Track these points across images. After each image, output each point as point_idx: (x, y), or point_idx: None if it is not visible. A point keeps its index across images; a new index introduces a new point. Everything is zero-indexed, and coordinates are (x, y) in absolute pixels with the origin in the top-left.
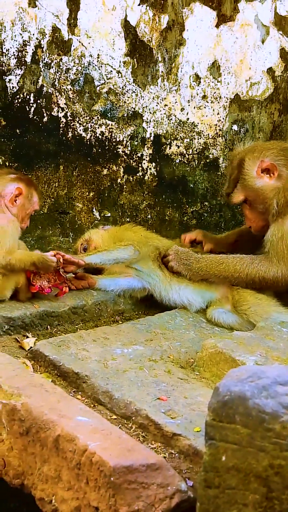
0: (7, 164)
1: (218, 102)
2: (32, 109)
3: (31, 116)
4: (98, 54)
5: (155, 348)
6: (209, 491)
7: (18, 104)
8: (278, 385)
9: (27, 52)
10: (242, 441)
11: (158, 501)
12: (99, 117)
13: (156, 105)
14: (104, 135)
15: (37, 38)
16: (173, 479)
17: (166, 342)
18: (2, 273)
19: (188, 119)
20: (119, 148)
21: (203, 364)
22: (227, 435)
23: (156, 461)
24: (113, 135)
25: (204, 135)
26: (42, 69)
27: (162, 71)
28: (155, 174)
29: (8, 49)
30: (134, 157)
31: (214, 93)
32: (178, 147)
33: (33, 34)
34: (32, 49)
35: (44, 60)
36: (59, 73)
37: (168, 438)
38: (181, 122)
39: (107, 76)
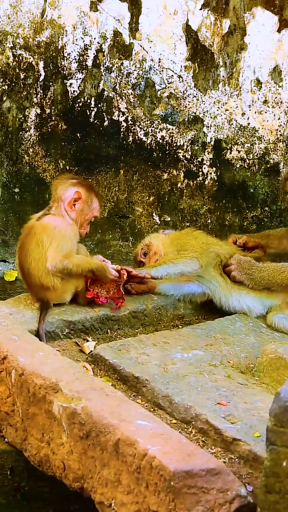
0: (68, 168)
1: (279, 107)
2: (93, 113)
3: (91, 120)
4: (159, 59)
5: (215, 353)
6: (270, 497)
7: (79, 108)
8: None
9: (88, 56)
10: None
11: (217, 506)
12: (160, 122)
13: (217, 110)
14: (165, 140)
15: (98, 42)
16: (233, 484)
17: (226, 347)
18: (61, 277)
19: (249, 124)
20: (180, 153)
21: (263, 370)
22: None
23: (216, 466)
24: (173, 139)
25: (265, 140)
26: (103, 73)
27: (223, 76)
28: (215, 178)
29: (70, 53)
30: (194, 161)
31: (275, 98)
32: (239, 152)
33: (95, 38)
34: (93, 53)
35: (105, 64)
36: (120, 77)
37: (228, 443)
38: (241, 127)
39: (168, 81)
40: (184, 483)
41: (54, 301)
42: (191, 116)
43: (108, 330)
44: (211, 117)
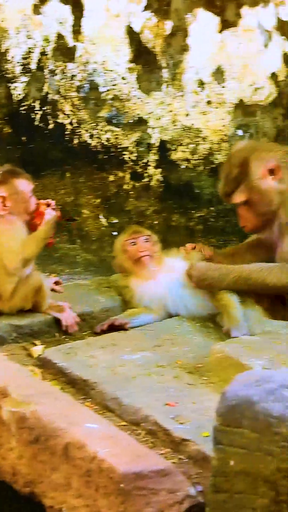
0: None
1: (223, 108)
2: (38, 116)
3: (36, 123)
4: (102, 61)
5: (163, 354)
6: (218, 496)
7: (24, 112)
8: (285, 389)
9: (32, 59)
10: (250, 445)
11: (167, 507)
12: (105, 124)
13: (161, 111)
14: (110, 142)
15: (42, 45)
16: (183, 484)
17: (174, 348)
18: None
19: (193, 124)
20: (125, 155)
21: (211, 369)
22: (234, 440)
23: (165, 467)
24: (118, 141)
25: (209, 141)
26: (47, 76)
27: (166, 77)
28: (161, 180)
29: (13, 56)
30: (140, 163)
31: (218, 98)
32: (184, 152)
33: (38, 41)
34: (37, 56)
35: (49, 67)
36: (64, 80)
37: (177, 444)
38: (186, 128)
39: (112, 83)
40: (134, 485)
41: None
42: (136, 118)
43: (56, 334)
44: (156, 119)
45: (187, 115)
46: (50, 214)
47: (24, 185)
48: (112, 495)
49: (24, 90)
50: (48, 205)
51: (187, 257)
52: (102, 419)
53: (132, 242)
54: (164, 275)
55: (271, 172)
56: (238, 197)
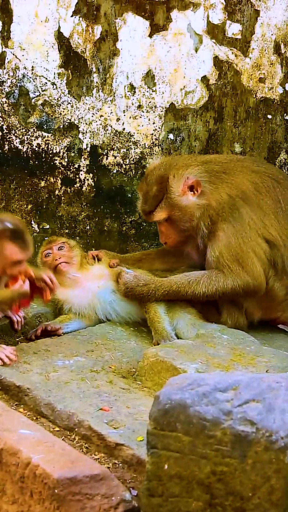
0: None
1: (154, 112)
2: None
3: None
4: (32, 66)
5: (96, 359)
6: (153, 500)
7: None
8: (218, 392)
9: None
10: (184, 449)
11: (102, 511)
12: (35, 129)
13: (92, 116)
14: (41, 147)
15: None
16: (117, 489)
17: (107, 353)
18: None
19: (124, 129)
20: (56, 160)
21: (144, 373)
22: (169, 444)
23: (100, 472)
24: (49, 147)
25: (140, 145)
26: None
27: (97, 82)
28: (93, 184)
29: None
30: (71, 168)
31: (149, 102)
32: (115, 157)
33: None
34: None
35: None
36: None
37: (111, 448)
38: (117, 133)
39: (42, 88)
40: (69, 490)
41: None
42: (66, 123)
43: None
44: (86, 124)
45: (118, 119)
46: (20, 286)
47: (11, 250)
48: (47, 501)
49: None
50: (30, 279)
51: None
52: (36, 425)
53: (48, 253)
54: (91, 281)
55: (191, 188)
56: (158, 215)
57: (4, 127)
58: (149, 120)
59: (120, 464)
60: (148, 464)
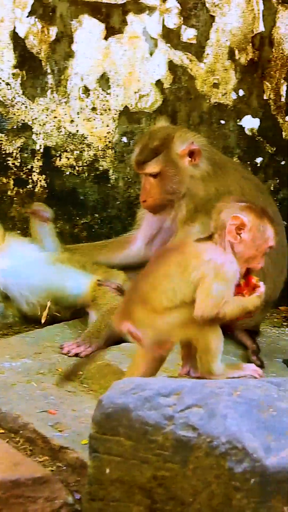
0: None
1: (108, 114)
2: None
3: None
4: None
5: (44, 361)
6: (94, 504)
7: None
8: (161, 397)
9: None
10: (126, 453)
11: None
12: None
13: (46, 117)
14: None
15: None
16: (60, 492)
17: (55, 355)
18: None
19: (78, 131)
20: (9, 161)
21: (91, 377)
22: (111, 448)
23: (43, 475)
24: (2, 147)
25: (94, 147)
26: None
27: (51, 83)
28: (46, 186)
29: None
30: (24, 169)
31: (104, 105)
32: (68, 159)
33: None
34: None
35: None
36: None
37: (55, 451)
38: (70, 134)
39: None
40: (11, 493)
41: (136, 321)
42: (20, 124)
43: None
44: (40, 125)
45: (72, 121)
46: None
47: (270, 234)
48: None
49: None
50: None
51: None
52: None
53: None
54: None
55: (191, 154)
56: (152, 167)
57: None
58: (103, 122)
59: (64, 467)
60: (89, 468)
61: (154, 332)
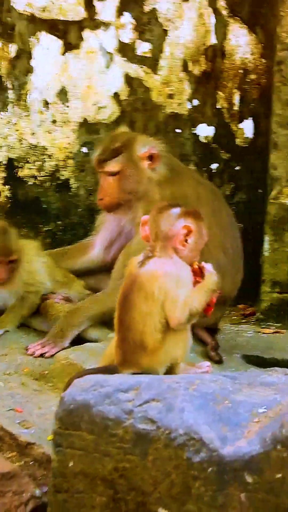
0: None
1: (68, 126)
2: None
3: None
4: None
5: (10, 362)
6: (59, 496)
7: None
8: (120, 392)
9: None
10: (88, 447)
11: (13, 508)
12: None
13: (8, 130)
14: None
15: None
16: (28, 486)
17: (20, 356)
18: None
19: (39, 142)
20: None
21: (56, 375)
22: (73, 442)
23: (11, 470)
24: None
25: (55, 158)
26: None
27: (12, 98)
28: (10, 196)
29: None
30: None
31: (63, 117)
32: (31, 169)
33: None
34: None
35: None
36: None
37: (22, 447)
38: (32, 146)
39: None
40: None
41: (144, 367)
42: None
43: None
44: (3, 137)
45: (33, 134)
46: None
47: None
48: None
49: None
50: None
51: None
52: None
53: None
54: None
55: (150, 158)
56: (112, 166)
57: None
58: (63, 134)
59: (31, 462)
60: (53, 462)
61: (164, 364)
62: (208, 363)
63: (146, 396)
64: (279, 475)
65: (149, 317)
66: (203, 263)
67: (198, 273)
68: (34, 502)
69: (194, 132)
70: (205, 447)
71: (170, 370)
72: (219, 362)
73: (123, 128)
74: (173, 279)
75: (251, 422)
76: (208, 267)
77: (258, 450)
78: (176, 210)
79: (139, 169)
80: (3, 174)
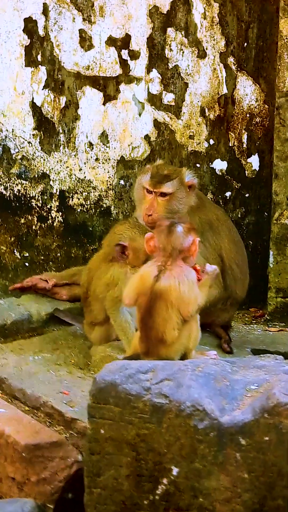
0: None
1: (108, 163)
2: None
3: None
4: (12, 129)
5: (59, 355)
6: (93, 457)
7: None
8: (140, 374)
9: None
10: (115, 417)
11: (60, 470)
12: (16, 178)
13: (60, 167)
14: (20, 192)
15: None
16: (72, 452)
17: (68, 350)
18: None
19: (85, 177)
20: (33, 202)
21: (96, 365)
22: (103, 413)
23: (58, 439)
24: (27, 191)
25: (98, 189)
26: None
27: (63, 140)
28: (62, 221)
29: None
30: (45, 208)
31: (104, 156)
32: (79, 199)
33: None
34: None
35: None
36: None
37: (68, 422)
38: (80, 180)
39: (20, 146)
40: (34, 454)
41: (163, 357)
42: (40, 173)
43: None
44: (56, 173)
45: (80, 169)
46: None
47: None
48: (17, 462)
49: None
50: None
51: None
52: (10, 405)
53: None
54: None
55: (190, 187)
56: (167, 188)
57: None
58: (104, 169)
59: (75, 434)
60: (88, 430)
61: (178, 353)
62: (215, 351)
63: (161, 376)
64: (266, 438)
65: (169, 320)
66: (207, 265)
67: (198, 272)
68: (77, 465)
69: (211, 166)
70: (207, 416)
71: (183, 357)
72: (230, 352)
73: (161, 161)
74: (186, 286)
75: (245, 396)
76: (208, 268)
77: (250, 418)
78: (181, 228)
79: (185, 193)
80: (57, 203)
